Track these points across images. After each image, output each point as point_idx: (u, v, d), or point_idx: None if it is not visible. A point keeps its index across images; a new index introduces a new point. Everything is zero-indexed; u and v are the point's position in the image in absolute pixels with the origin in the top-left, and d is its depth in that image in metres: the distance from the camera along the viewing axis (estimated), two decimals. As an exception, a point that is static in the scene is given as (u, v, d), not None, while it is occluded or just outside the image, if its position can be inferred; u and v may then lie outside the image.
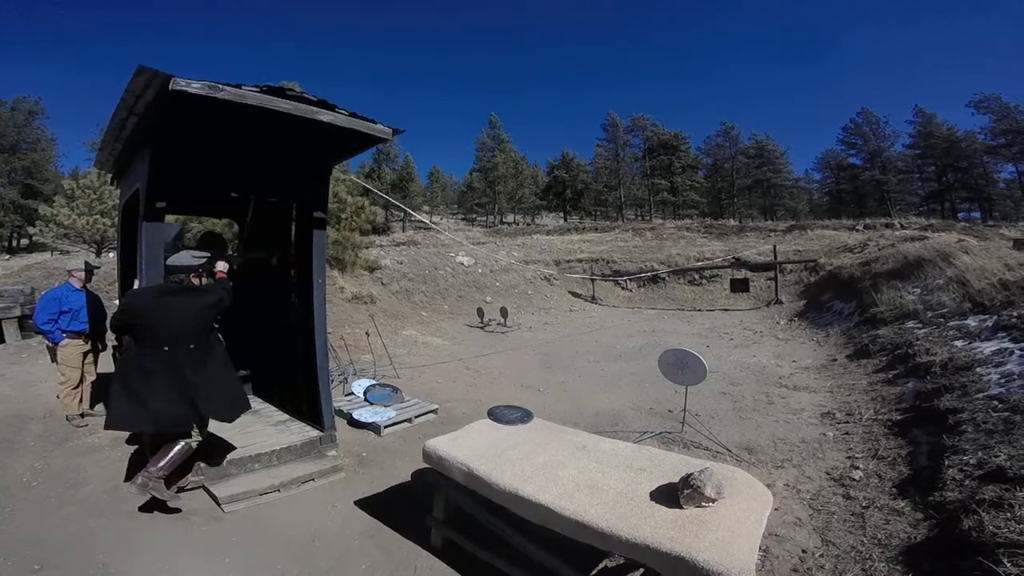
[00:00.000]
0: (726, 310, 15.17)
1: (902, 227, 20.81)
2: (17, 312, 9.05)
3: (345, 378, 6.77)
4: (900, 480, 3.68)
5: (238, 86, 3.30)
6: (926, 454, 3.92)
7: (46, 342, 5.22)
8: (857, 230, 21.32)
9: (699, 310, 15.57)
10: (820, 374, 7.21)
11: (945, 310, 7.82)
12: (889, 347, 7.22)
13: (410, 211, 13.89)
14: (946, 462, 3.57)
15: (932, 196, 47.97)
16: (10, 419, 5.19)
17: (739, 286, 16.26)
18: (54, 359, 5.15)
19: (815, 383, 6.73)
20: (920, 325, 7.70)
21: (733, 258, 18.19)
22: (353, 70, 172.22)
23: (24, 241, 40.83)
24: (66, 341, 5.05)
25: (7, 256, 34.46)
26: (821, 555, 2.92)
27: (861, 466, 3.99)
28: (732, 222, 31.51)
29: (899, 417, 4.84)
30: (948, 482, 3.31)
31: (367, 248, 14.85)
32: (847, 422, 5.05)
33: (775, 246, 17.16)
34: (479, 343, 10.96)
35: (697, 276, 18.13)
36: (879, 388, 5.92)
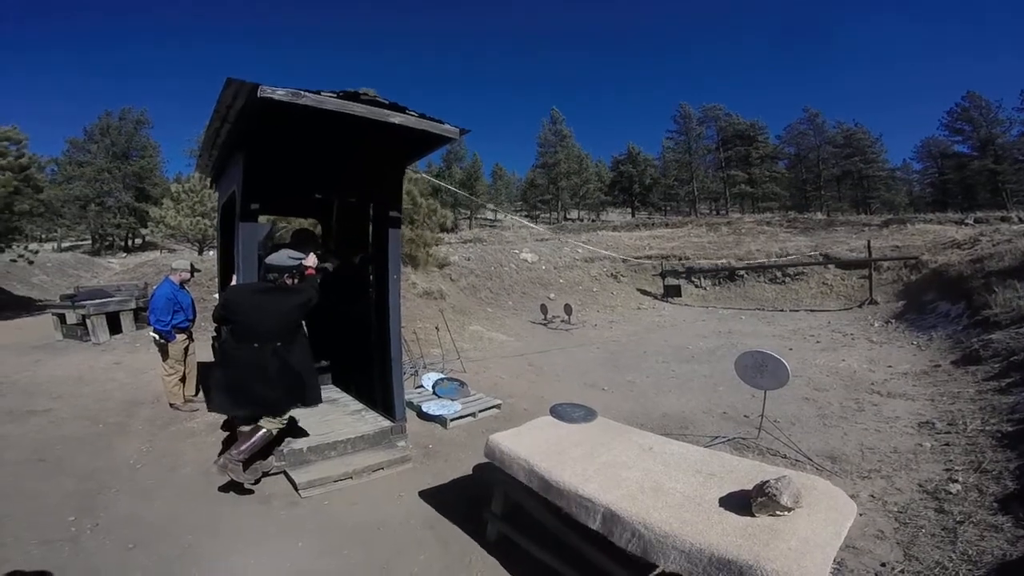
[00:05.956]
0: (812, 311, 14.08)
1: (1020, 221, 18.41)
2: (133, 305, 10.17)
3: (416, 371, 7.01)
4: (1004, 495, 3.30)
5: (318, 92, 3.49)
6: (1041, 469, 3.48)
7: (155, 338, 5.41)
8: (966, 224, 19.09)
9: (781, 310, 14.57)
10: (920, 381, 6.56)
11: (1075, 313, 6.88)
12: (1004, 353, 6.45)
13: (490, 206, 14.19)
14: (1062, 478, 3.16)
15: (1057, 186, 42.24)
16: (125, 404, 5.82)
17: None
18: (165, 357, 5.48)
19: (913, 390, 6.14)
20: (1042, 329, 6.82)
21: (821, 255, 16.88)
22: (422, 73, 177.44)
23: (137, 240, 45.68)
24: (176, 338, 5.43)
25: (124, 254, 38.79)
26: (901, 570, 2.70)
27: (960, 479, 3.61)
28: (819, 215, 29.14)
29: (1010, 429, 4.31)
30: (1061, 498, 2.93)
31: (437, 245, 15.29)
32: (948, 432, 4.58)
33: (869, 242, 15.74)
34: (542, 340, 10.96)
35: (779, 274, 16.92)
36: (989, 397, 5.31)
